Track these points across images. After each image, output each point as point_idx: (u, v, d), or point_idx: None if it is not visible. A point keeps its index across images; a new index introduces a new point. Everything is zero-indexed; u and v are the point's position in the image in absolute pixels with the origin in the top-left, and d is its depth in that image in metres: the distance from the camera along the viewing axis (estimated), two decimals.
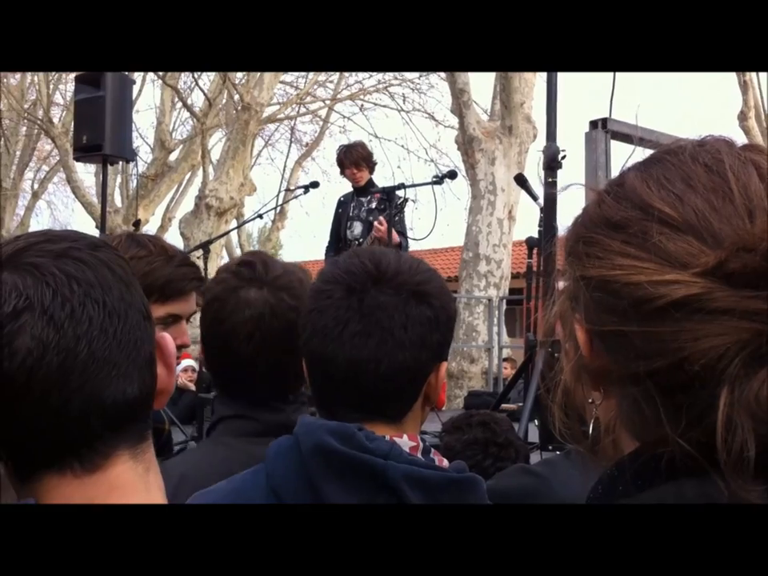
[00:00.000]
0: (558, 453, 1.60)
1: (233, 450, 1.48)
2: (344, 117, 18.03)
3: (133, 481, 0.74)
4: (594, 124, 2.59)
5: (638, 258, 0.63)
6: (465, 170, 10.34)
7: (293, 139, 18.94)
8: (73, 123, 6.92)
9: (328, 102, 17.58)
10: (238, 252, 17.25)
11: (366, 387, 1.10)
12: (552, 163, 3.52)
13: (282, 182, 17.76)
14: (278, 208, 13.21)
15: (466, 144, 10.24)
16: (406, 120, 17.41)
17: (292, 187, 11.10)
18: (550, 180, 3.56)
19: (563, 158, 3.59)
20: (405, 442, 1.10)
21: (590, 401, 0.74)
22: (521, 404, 4.92)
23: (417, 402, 1.14)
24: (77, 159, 6.54)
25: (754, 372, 0.58)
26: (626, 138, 2.61)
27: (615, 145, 2.58)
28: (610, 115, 2.85)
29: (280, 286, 1.50)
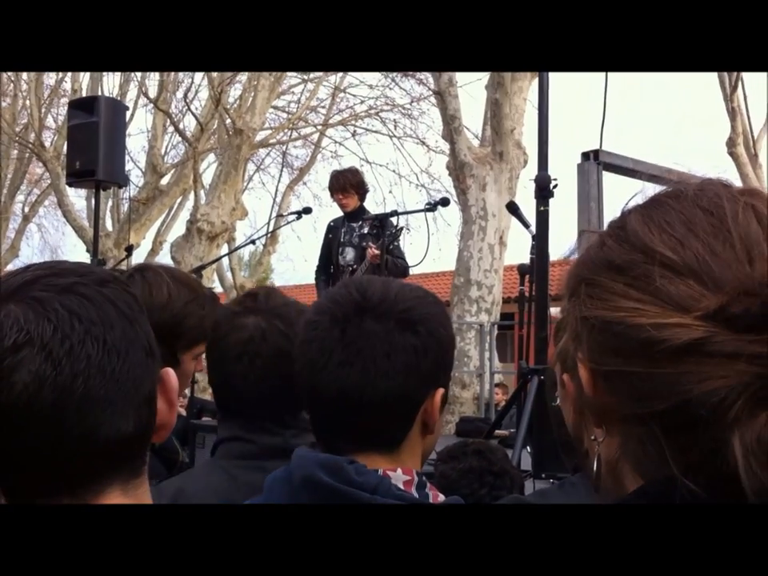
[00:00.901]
0: (552, 483, 1.60)
1: (227, 472, 1.50)
2: (335, 142, 18.13)
3: None
4: (586, 156, 2.62)
5: (640, 300, 0.64)
6: (456, 196, 10.40)
7: (284, 164, 19.01)
8: (66, 148, 6.93)
9: (319, 127, 17.66)
10: (228, 276, 17.23)
11: (353, 417, 1.10)
12: (543, 192, 3.54)
13: (273, 207, 17.80)
14: (270, 234, 13.22)
15: (458, 170, 10.30)
16: (397, 146, 17.51)
17: (284, 212, 11.12)
18: (542, 209, 3.58)
19: (554, 186, 3.62)
20: (398, 476, 1.10)
21: (593, 438, 0.75)
22: (512, 430, 4.92)
23: (411, 430, 1.14)
24: (69, 184, 6.54)
25: (755, 415, 0.60)
26: (617, 169, 2.64)
27: (606, 176, 2.62)
28: (601, 146, 2.88)
29: (275, 314, 1.55)
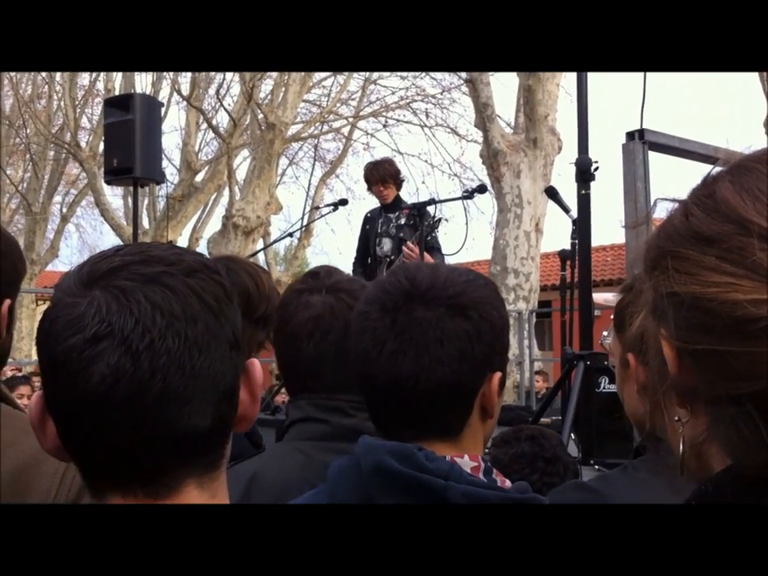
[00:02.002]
0: (598, 470, 1.57)
1: (303, 453, 1.49)
2: (367, 134, 18.12)
3: None
4: (630, 135, 2.57)
5: (735, 275, 0.60)
6: (490, 184, 10.33)
7: (316, 157, 19.06)
8: (102, 146, 7.00)
9: (351, 120, 17.67)
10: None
11: (409, 405, 1.09)
12: (585, 175, 3.49)
13: (306, 200, 17.84)
14: (305, 227, 13.27)
15: (491, 158, 10.23)
16: (429, 135, 17.46)
17: (319, 205, 11.14)
18: (583, 192, 3.53)
19: (596, 169, 3.57)
20: (466, 462, 1.08)
21: (676, 418, 0.72)
22: (554, 417, 4.88)
23: (471, 416, 1.12)
24: (108, 182, 6.61)
25: None
26: (662, 148, 2.59)
27: (652, 155, 2.57)
28: (641, 125, 2.83)
29: (339, 289, 1.54)
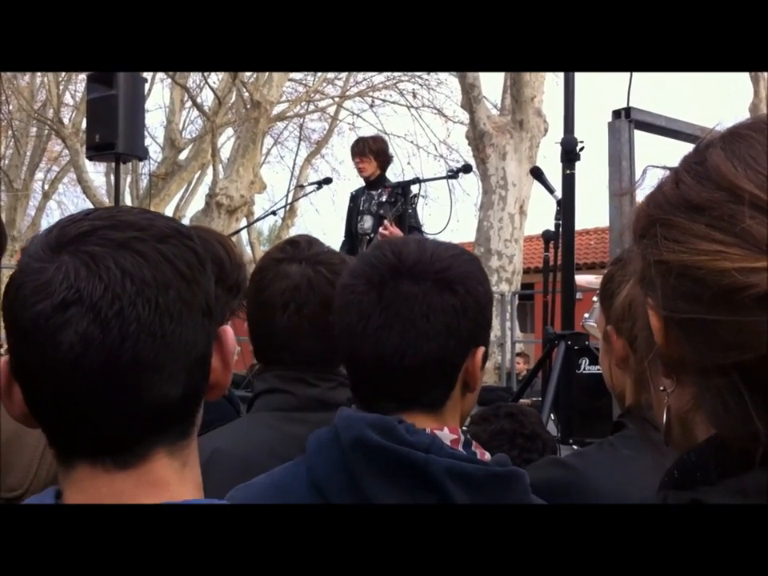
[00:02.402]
0: (591, 444, 1.58)
1: (266, 424, 1.48)
2: (353, 114, 18.04)
3: (165, 476, 0.73)
4: (617, 113, 2.56)
5: (724, 243, 0.59)
6: (475, 165, 10.32)
7: (302, 137, 18.95)
8: (85, 122, 6.92)
9: (337, 100, 17.57)
10: (248, 250, 17.27)
11: (393, 379, 1.09)
12: (570, 155, 3.49)
13: (291, 180, 17.76)
14: (288, 205, 13.21)
15: (477, 139, 10.21)
16: (415, 116, 17.40)
17: (303, 183, 11.10)
18: (568, 172, 3.53)
19: (581, 149, 3.56)
20: (445, 434, 1.08)
21: (662, 388, 0.72)
22: (534, 399, 4.90)
23: (454, 390, 1.12)
24: (89, 158, 6.53)
25: None
26: (649, 127, 2.58)
27: (638, 134, 2.56)
28: (628, 104, 2.82)
29: (319, 261, 1.52)
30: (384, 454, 1.03)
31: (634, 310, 0.73)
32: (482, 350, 1.13)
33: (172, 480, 0.73)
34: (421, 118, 18.62)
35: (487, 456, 1.11)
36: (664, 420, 0.72)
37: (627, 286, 0.73)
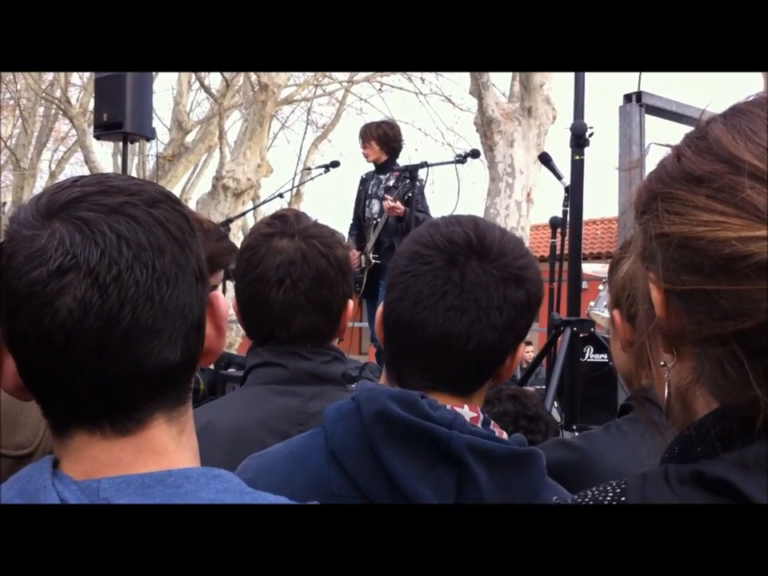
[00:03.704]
0: (598, 427, 1.59)
1: (258, 397, 1.48)
2: (361, 99, 17.98)
3: (163, 442, 0.73)
4: (627, 98, 2.54)
5: (724, 213, 0.61)
6: (483, 153, 10.28)
7: (309, 121, 18.91)
8: (93, 101, 6.91)
9: (345, 84, 17.51)
10: None
11: (447, 361, 1.08)
12: (579, 140, 3.47)
13: (298, 164, 17.72)
14: (295, 189, 13.19)
15: (485, 126, 10.17)
16: (423, 103, 17.34)
17: (310, 166, 11.06)
18: (577, 158, 3.51)
19: (590, 135, 3.54)
20: (466, 412, 1.08)
21: (662, 363, 0.72)
22: (538, 387, 4.91)
23: (489, 379, 1.14)
24: (97, 137, 6.51)
25: None
26: (660, 112, 2.56)
27: (648, 119, 2.54)
28: (639, 88, 2.80)
29: (311, 234, 1.51)
30: (406, 427, 1.03)
31: (634, 285, 0.75)
32: (522, 346, 1.15)
33: (170, 446, 0.73)
34: (428, 104, 18.54)
35: (504, 435, 1.11)
36: (665, 396, 0.73)
37: (628, 262, 0.74)
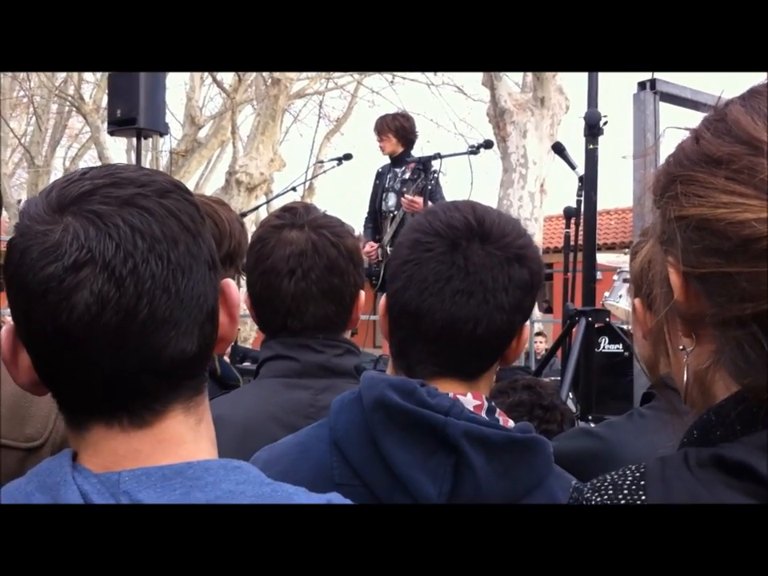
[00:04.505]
0: (620, 416, 1.58)
1: (270, 390, 1.49)
2: (372, 91, 17.94)
3: (181, 433, 0.73)
4: (642, 85, 2.52)
5: (743, 194, 0.60)
6: (496, 143, 10.24)
7: (321, 114, 18.89)
8: (106, 97, 6.93)
9: (356, 77, 17.47)
10: None
11: (457, 346, 1.09)
12: (593, 129, 3.45)
13: (311, 157, 17.72)
14: (308, 182, 13.20)
15: (498, 116, 10.13)
16: (435, 94, 17.30)
17: (323, 159, 11.05)
18: (591, 147, 3.49)
19: (605, 123, 3.52)
20: (468, 400, 1.09)
21: (681, 347, 0.72)
22: (553, 378, 4.89)
23: (497, 361, 1.14)
24: (111, 133, 6.53)
25: None
26: (674, 99, 2.54)
27: (663, 106, 2.52)
28: (653, 76, 2.78)
29: (321, 225, 1.52)
30: (404, 414, 1.04)
31: (652, 270, 0.74)
32: (527, 326, 1.15)
33: (188, 437, 0.74)
34: (441, 95, 18.46)
35: (511, 423, 1.11)
36: (684, 380, 0.73)
37: (646, 247, 0.74)
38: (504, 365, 1.17)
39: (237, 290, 0.80)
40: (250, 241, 1.60)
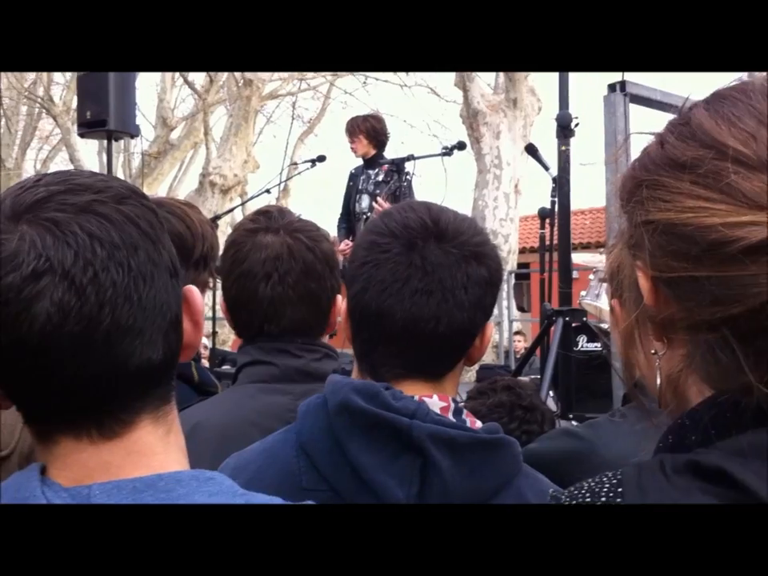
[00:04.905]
0: (602, 415, 1.59)
1: (248, 395, 1.48)
2: (346, 92, 17.93)
3: (151, 444, 0.72)
4: (612, 87, 2.54)
5: (709, 199, 0.60)
6: (470, 145, 10.28)
7: (294, 116, 18.85)
8: (76, 99, 6.86)
9: (329, 78, 17.45)
10: None
11: (419, 345, 1.08)
12: (565, 131, 3.48)
13: (285, 159, 17.67)
14: (282, 184, 13.16)
15: (471, 118, 10.17)
16: (408, 95, 17.33)
17: (297, 161, 11.04)
18: (564, 148, 3.52)
19: (576, 125, 3.55)
20: (434, 402, 1.08)
21: (653, 351, 0.72)
22: (533, 377, 4.92)
23: (461, 360, 1.14)
24: (81, 135, 6.46)
25: None
26: (644, 101, 2.57)
27: (633, 108, 2.54)
28: (623, 77, 2.79)
29: (296, 229, 1.51)
30: (368, 418, 1.03)
31: (621, 273, 0.74)
32: (490, 325, 1.15)
33: (158, 448, 0.72)
34: (414, 96, 18.50)
35: (478, 424, 1.11)
36: (657, 384, 0.73)
37: (614, 252, 0.74)
38: (468, 364, 1.16)
39: (200, 296, 0.78)
40: (224, 244, 1.59)
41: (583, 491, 0.66)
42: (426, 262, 1.07)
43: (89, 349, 0.66)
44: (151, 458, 0.71)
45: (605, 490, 0.65)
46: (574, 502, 0.66)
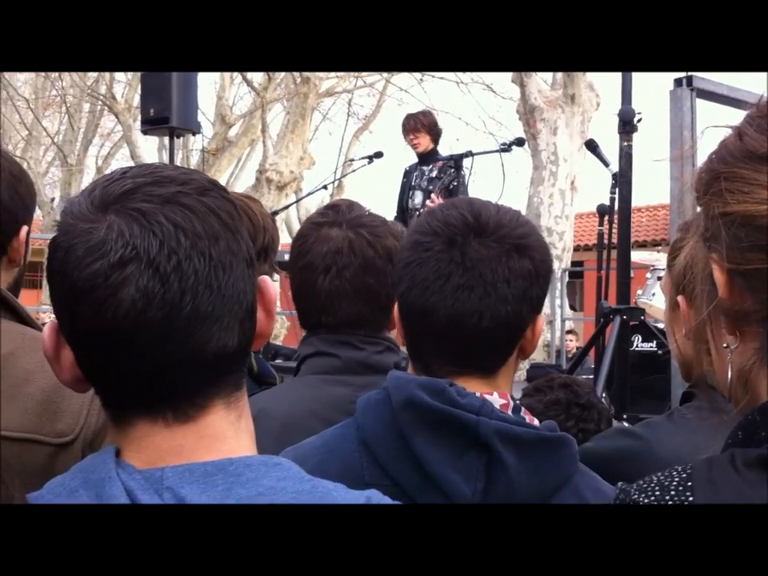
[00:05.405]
0: (659, 415, 1.57)
1: (310, 386, 1.50)
2: (401, 89, 17.93)
3: (223, 429, 0.74)
4: (678, 82, 2.49)
5: None
6: (526, 141, 10.19)
7: (350, 113, 18.93)
8: (137, 98, 7.00)
9: (385, 75, 17.47)
10: (296, 226, 17.35)
11: (465, 340, 1.09)
12: (627, 126, 3.43)
13: (339, 156, 17.77)
14: (337, 181, 13.23)
15: (528, 114, 10.09)
16: (464, 92, 17.25)
17: (353, 157, 11.10)
18: (626, 144, 3.47)
19: (639, 120, 3.50)
20: (495, 399, 1.09)
21: (725, 345, 0.72)
22: (584, 377, 4.87)
23: (512, 355, 1.14)
24: (144, 132, 6.60)
25: None
26: (711, 96, 2.52)
27: (700, 103, 2.50)
28: (689, 72, 2.75)
29: (360, 224, 1.52)
30: (435, 414, 1.04)
31: (694, 267, 0.74)
32: (541, 317, 1.15)
33: (229, 432, 0.74)
34: (470, 92, 18.41)
35: (536, 422, 1.11)
36: (728, 379, 0.72)
37: (688, 246, 0.74)
38: (522, 357, 1.16)
39: (273, 286, 0.81)
40: (294, 236, 1.62)
41: (653, 484, 0.67)
42: (466, 258, 1.08)
43: (170, 334, 0.69)
44: (222, 442, 0.73)
45: (674, 483, 0.65)
46: (643, 495, 0.67)
